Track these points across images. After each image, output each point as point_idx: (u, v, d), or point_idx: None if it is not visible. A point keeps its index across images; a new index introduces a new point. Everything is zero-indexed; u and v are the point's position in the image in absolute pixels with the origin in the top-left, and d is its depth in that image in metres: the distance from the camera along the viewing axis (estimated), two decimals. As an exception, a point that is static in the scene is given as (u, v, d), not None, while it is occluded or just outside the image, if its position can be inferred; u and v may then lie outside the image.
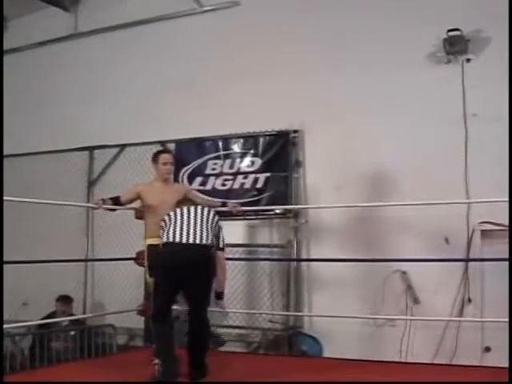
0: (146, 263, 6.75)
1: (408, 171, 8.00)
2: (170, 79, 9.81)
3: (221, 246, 6.27)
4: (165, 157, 6.97)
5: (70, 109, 10.72)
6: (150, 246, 6.69)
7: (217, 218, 6.25)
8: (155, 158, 6.99)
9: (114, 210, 7.23)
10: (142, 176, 9.38)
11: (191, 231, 5.95)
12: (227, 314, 8.76)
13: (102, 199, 6.92)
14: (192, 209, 6.13)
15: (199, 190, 9.14)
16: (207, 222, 6.08)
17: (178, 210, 6.14)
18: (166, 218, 6.13)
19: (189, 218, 6.06)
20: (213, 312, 8.32)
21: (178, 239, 5.91)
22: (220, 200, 7.52)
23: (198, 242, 5.91)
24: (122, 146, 10.22)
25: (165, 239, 6.01)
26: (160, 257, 6.10)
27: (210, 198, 7.95)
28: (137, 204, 7.14)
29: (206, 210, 6.19)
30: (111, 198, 6.93)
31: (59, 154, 10.65)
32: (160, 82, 9.91)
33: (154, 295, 6.05)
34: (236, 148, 9.22)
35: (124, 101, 10.20)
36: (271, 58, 9.01)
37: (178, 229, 5.98)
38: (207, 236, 5.98)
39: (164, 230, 6.08)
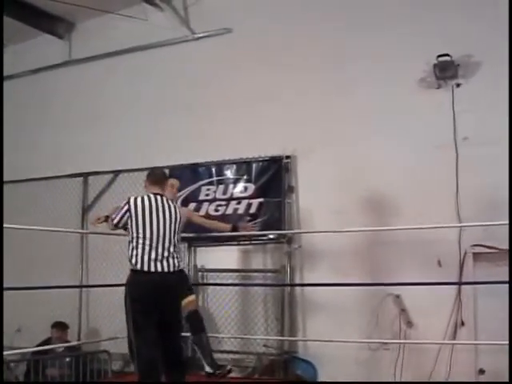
0: None
1: (400, 195, 8.03)
2: (163, 105, 9.90)
3: None
4: (173, 180, 7.31)
5: (64, 135, 10.75)
6: None
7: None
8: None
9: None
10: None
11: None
12: (222, 338, 8.78)
13: (106, 216, 6.82)
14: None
15: (193, 216, 9.24)
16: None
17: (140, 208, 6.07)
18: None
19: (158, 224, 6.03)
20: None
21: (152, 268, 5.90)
22: (229, 225, 7.45)
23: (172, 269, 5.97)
24: (116, 172, 10.24)
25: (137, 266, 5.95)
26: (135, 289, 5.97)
27: (218, 222, 7.83)
28: None
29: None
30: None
31: (54, 180, 10.67)
32: (154, 108, 9.99)
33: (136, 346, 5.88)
34: (229, 174, 9.26)
35: (118, 127, 10.24)
36: (264, 84, 9.07)
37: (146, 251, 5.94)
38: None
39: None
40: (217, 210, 9.11)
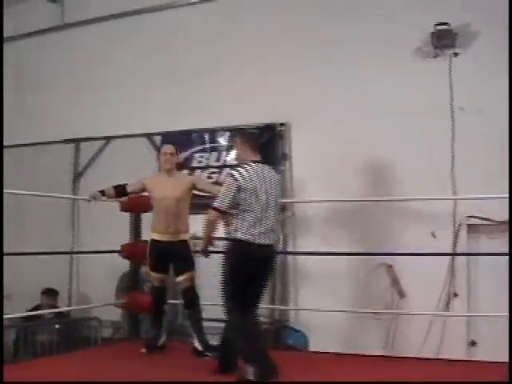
0: (147, 257, 7.00)
1: (396, 165, 7.99)
2: (156, 71, 9.77)
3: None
4: (164, 147, 7.12)
5: (56, 100, 10.66)
6: (152, 241, 6.93)
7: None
8: (160, 149, 7.26)
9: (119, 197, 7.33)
10: (127, 169, 9.35)
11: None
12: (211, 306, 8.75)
13: (101, 191, 7.04)
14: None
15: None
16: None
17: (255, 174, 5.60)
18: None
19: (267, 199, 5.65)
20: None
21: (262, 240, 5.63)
22: None
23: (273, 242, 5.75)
24: (108, 139, 10.17)
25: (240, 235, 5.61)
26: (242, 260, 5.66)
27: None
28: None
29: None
30: (116, 187, 7.05)
31: (45, 146, 10.62)
32: (146, 74, 9.86)
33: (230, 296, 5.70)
34: (222, 141, 9.21)
35: (110, 93, 10.12)
36: (258, 51, 8.96)
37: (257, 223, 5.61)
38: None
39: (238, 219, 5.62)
40: (210, 177, 9.04)
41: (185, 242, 6.86)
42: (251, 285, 5.64)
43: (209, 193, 7.01)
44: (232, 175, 5.62)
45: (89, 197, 7.15)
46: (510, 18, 7.45)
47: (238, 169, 5.65)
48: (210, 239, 5.83)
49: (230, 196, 5.55)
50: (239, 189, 5.54)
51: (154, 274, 7.01)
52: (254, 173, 5.62)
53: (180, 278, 6.84)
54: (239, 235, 5.57)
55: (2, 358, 6.31)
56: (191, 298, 6.89)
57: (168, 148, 7.04)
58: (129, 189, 7.08)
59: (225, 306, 5.74)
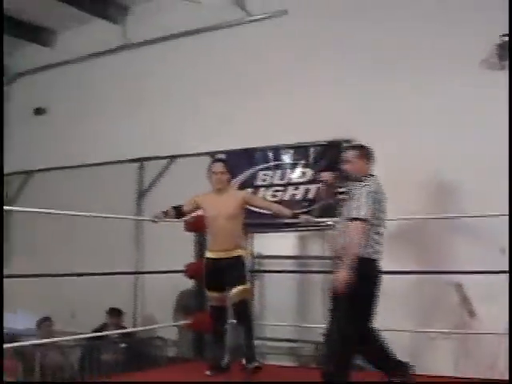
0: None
1: (461, 181, 7.77)
2: (219, 89, 9.74)
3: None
4: (214, 166, 6.99)
5: (120, 120, 10.75)
6: (206, 260, 6.91)
7: None
8: (209, 168, 7.01)
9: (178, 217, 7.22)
10: (191, 188, 9.33)
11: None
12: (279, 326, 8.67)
13: (164, 211, 7.01)
14: None
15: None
16: None
17: None
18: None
19: None
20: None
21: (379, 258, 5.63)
22: (291, 211, 7.22)
23: None
24: (172, 158, 10.18)
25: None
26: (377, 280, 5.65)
27: (280, 206, 7.45)
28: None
29: None
30: (174, 208, 7.01)
31: (110, 166, 10.70)
32: (210, 92, 9.83)
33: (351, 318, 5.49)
34: (287, 158, 9.09)
35: (174, 111, 10.18)
36: (322, 67, 8.87)
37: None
38: None
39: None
40: (274, 196, 8.96)
41: (238, 257, 6.74)
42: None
43: (265, 209, 7.21)
44: (366, 185, 5.51)
45: (152, 217, 7.15)
46: (510, 18, 7.32)
47: (367, 180, 5.56)
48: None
49: (369, 205, 5.40)
50: (374, 201, 5.44)
51: (210, 293, 6.94)
52: (379, 186, 5.58)
53: (233, 292, 6.69)
54: (371, 252, 5.52)
55: (2, 357, 6.26)
56: (241, 310, 6.72)
57: (218, 167, 6.97)
58: (184, 208, 7.06)
59: (344, 332, 5.48)
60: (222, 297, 6.86)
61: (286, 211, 7.12)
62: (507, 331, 6.80)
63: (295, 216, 7.17)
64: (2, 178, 8.43)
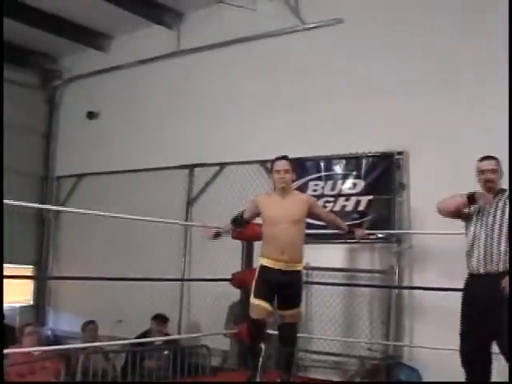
0: (253, 283, 6.26)
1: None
2: (271, 98, 9.70)
3: None
4: (277, 164, 6.38)
5: (171, 126, 10.79)
6: (262, 268, 6.26)
7: None
8: (271, 167, 6.53)
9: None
10: (240, 196, 9.32)
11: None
12: (325, 340, 8.57)
13: (216, 233, 6.76)
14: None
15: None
16: None
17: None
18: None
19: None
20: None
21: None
22: (347, 224, 6.99)
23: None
24: (222, 165, 10.14)
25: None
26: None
27: (338, 218, 6.97)
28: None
29: None
30: (236, 219, 6.61)
31: (160, 172, 10.71)
32: (261, 100, 9.80)
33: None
34: (338, 169, 8.96)
35: (225, 119, 10.14)
36: (376, 77, 8.74)
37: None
38: None
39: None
40: (324, 207, 8.81)
41: (298, 273, 6.21)
42: None
43: (328, 220, 6.69)
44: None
45: (222, 231, 6.75)
46: (510, 18, 7.22)
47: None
48: None
49: None
50: None
51: (256, 302, 6.15)
52: None
53: (285, 313, 6.19)
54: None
55: (2, 357, 6.22)
56: (292, 336, 6.33)
57: (281, 164, 6.35)
58: (246, 216, 6.54)
59: None
60: (268, 310, 6.20)
61: (344, 225, 6.77)
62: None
63: (350, 231, 6.80)
64: (1, 178, 8.48)
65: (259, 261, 6.31)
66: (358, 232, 6.84)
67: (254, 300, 6.18)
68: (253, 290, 6.21)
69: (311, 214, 6.47)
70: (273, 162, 6.46)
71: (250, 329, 6.33)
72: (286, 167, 6.33)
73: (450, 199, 5.91)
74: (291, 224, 6.13)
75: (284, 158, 6.44)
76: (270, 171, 6.61)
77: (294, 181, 6.68)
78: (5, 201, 5.73)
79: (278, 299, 6.18)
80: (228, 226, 6.65)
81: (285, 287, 6.14)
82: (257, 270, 6.29)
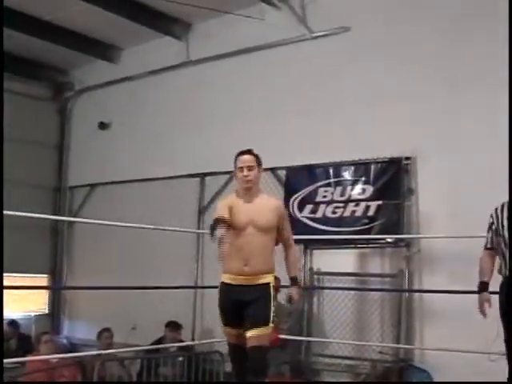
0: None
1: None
2: (280, 106, 9.79)
3: None
4: (240, 160, 5.44)
5: (181, 135, 10.88)
6: (222, 286, 5.52)
7: None
8: (234, 164, 5.53)
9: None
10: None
11: None
12: (336, 344, 8.63)
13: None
14: None
15: (310, 218, 9.12)
16: None
17: None
18: None
19: None
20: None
21: None
22: (294, 276, 5.67)
23: None
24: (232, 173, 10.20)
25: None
26: None
27: (294, 252, 5.74)
28: None
29: None
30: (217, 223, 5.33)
31: (171, 180, 10.81)
32: (270, 108, 9.91)
33: None
34: (347, 175, 9.04)
35: (234, 127, 10.22)
36: (383, 83, 8.83)
37: None
38: None
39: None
40: (334, 212, 8.93)
41: (265, 286, 5.32)
42: None
43: (279, 239, 5.56)
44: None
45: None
46: (510, 18, 7.24)
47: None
48: None
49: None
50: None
51: (224, 328, 5.49)
52: None
53: (248, 334, 5.21)
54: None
55: (2, 359, 6.28)
56: (256, 363, 5.23)
57: (245, 160, 5.41)
58: (227, 215, 5.31)
59: None
60: (240, 333, 5.35)
61: (293, 270, 5.64)
62: None
63: (293, 281, 5.64)
64: (1, 181, 8.62)
65: (221, 278, 5.56)
66: (292, 291, 5.62)
67: (222, 326, 5.54)
68: (219, 313, 5.55)
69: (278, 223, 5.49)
70: (235, 157, 5.54)
71: (229, 352, 5.69)
72: (250, 163, 5.41)
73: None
74: (258, 233, 5.29)
75: (249, 151, 5.53)
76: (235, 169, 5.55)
77: (259, 178, 5.59)
78: (19, 213, 5.88)
79: (245, 319, 5.28)
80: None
81: (247, 304, 5.29)
82: (218, 290, 5.58)
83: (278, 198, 6.30)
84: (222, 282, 5.47)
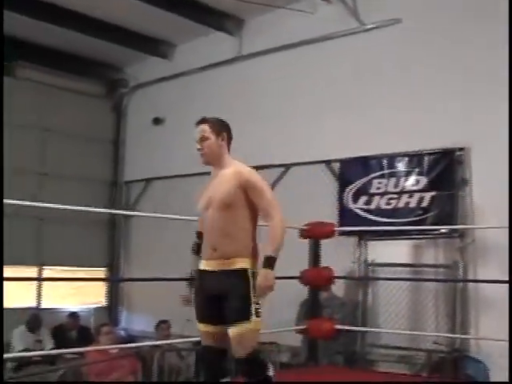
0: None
1: None
2: (333, 98, 9.85)
3: None
4: (196, 131, 4.69)
5: (234, 129, 10.75)
6: (196, 273, 4.75)
7: None
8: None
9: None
10: (305, 196, 9.43)
11: None
12: (391, 334, 8.66)
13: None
14: None
15: (364, 210, 9.21)
16: None
17: None
18: None
19: None
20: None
21: None
22: (270, 255, 4.44)
23: None
24: (287, 166, 10.35)
25: None
26: None
27: (273, 227, 4.53)
28: None
29: None
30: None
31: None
32: (324, 101, 9.97)
33: None
34: (401, 166, 9.09)
35: (288, 120, 10.33)
36: (436, 75, 8.84)
37: None
38: None
39: None
40: (388, 204, 8.98)
41: (240, 272, 4.44)
42: None
43: (263, 214, 4.55)
44: None
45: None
46: (510, 18, 7.29)
47: None
48: None
49: None
50: None
51: (201, 327, 4.60)
52: None
53: (229, 333, 4.43)
54: None
55: (2, 358, 6.29)
56: (246, 364, 4.48)
57: (196, 131, 4.66)
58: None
59: None
60: (213, 333, 4.55)
61: (270, 247, 4.46)
62: None
63: (267, 261, 4.44)
64: (1, 177, 8.78)
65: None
66: (259, 276, 4.43)
67: (197, 323, 4.67)
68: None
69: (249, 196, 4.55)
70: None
71: (199, 357, 4.90)
72: (202, 133, 4.67)
73: None
74: (218, 211, 4.49)
75: (201, 121, 4.77)
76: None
77: (220, 149, 4.84)
78: (78, 207, 6.08)
79: (219, 312, 4.49)
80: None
81: (223, 295, 4.46)
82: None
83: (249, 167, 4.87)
84: (196, 270, 4.72)
